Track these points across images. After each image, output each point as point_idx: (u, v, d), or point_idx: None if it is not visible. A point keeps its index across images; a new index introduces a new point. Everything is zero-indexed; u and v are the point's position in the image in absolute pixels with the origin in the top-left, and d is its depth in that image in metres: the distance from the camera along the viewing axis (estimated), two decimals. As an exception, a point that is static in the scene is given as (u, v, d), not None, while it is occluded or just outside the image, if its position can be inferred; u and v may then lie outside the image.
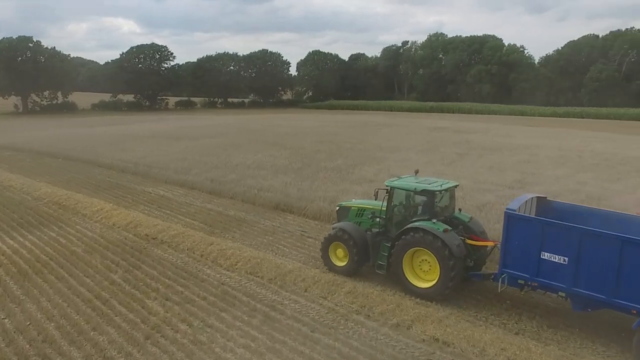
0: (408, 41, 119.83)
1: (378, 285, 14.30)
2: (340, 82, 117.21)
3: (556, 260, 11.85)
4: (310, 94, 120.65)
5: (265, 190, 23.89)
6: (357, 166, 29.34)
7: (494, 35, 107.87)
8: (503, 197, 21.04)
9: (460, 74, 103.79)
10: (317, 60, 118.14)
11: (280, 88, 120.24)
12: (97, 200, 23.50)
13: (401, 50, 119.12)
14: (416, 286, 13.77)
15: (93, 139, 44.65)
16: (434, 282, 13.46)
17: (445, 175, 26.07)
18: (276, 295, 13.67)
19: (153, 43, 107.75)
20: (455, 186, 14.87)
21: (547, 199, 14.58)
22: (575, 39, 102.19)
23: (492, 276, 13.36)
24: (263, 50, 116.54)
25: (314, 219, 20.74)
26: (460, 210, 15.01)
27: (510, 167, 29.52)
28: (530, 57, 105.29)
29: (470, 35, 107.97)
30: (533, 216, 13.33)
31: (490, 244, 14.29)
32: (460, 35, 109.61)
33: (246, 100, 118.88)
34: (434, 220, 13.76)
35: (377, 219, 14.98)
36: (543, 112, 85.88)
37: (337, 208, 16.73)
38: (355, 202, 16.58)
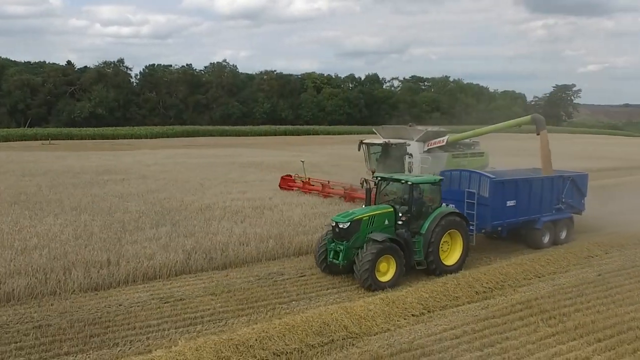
0: None
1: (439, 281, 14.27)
2: None
3: (512, 204, 17.21)
4: None
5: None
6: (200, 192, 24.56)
7: None
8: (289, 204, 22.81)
9: None
10: None
11: None
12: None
13: None
14: (447, 265, 14.99)
15: None
16: (457, 257, 15.20)
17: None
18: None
19: None
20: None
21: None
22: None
23: None
24: None
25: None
26: None
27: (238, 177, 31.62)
28: None
29: None
30: (508, 178, 17.90)
31: None
32: None
33: None
34: (447, 204, 15.98)
35: (403, 218, 14.86)
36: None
37: (348, 224, 14.33)
38: (359, 213, 14.91)
